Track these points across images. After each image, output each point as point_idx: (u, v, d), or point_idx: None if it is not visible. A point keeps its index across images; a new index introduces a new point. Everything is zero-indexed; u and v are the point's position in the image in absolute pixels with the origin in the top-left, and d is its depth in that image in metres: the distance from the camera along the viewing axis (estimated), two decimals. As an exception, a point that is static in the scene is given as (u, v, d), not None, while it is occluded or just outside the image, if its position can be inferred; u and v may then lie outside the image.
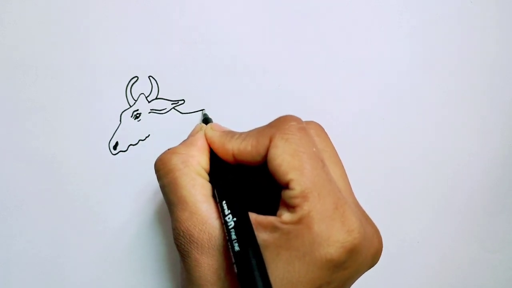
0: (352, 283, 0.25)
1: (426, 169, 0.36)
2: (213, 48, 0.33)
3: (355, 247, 0.22)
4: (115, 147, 0.33)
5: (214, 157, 0.27)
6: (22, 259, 0.34)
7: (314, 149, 0.24)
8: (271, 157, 0.24)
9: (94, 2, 0.32)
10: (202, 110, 0.33)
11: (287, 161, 0.23)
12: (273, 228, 0.23)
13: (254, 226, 0.23)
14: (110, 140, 0.33)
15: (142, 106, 0.33)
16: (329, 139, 0.27)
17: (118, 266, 0.35)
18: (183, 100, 0.33)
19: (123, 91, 0.33)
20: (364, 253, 0.23)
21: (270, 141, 0.24)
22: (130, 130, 0.33)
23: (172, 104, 0.33)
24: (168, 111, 0.33)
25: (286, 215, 0.23)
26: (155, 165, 0.27)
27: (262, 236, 0.23)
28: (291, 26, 0.33)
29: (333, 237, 0.22)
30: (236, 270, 0.22)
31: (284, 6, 0.33)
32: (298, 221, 0.22)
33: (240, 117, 0.34)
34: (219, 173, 0.26)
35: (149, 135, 0.34)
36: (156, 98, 0.33)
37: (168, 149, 0.27)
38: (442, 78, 0.35)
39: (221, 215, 0.24)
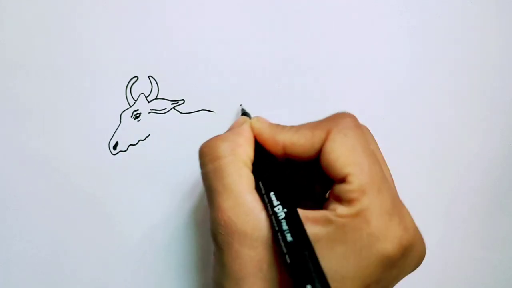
0: (396, 284, 0.25)
1: (426, 169, 0.36)
2: (213, 48, 0.33)
3: (410, 244, 0.23)
4: (115, 147, 0.33)
5: (259, 149, 0.26)
6: (22, 259, 0.34)
7: (371, 147, 0.24)
8: (327, 150, 0.24)
9: (94, 2, 0.32)
10: (240, 105, 0.33)
11: (345, 155, 0.23)
12: (326, 222, 0.23)
13: (302, 220, 0.23)
14: (110, 140, 0.33)
15: (142, 106, 0.33)
16: (377, 143, 0.27)
17: (118, 265, 0.35)
18: (183, 100, 0.33)
19: (123, 91, 0.33)
20: (414, 252, 0.23)
21: (327, 135, 0.24)
22: (130, 130, 0.33)
23: (172, 104, 0.33)
24: (168, 111, 0.33)
25: (341, 209, 0.23)
26: (201, 150, 0.26)
27: (312, 230, 0.23)
28: (291, 26, 0.33)
29: (391, 232, 0.22)
30: (288, 261, 0.21)
31: (284, 6, 0.33)
32: (356, 215, 0.22)
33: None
34: (265, 164, 0.26)
35: (149, 135, 0.34)
36: (156, 98, 0.33)
37: (216, 136, 0.26)
38: (442, 78, 0.35)
39: (269, 206, 0.24)
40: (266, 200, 0.24)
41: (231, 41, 0.33)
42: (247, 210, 0.24)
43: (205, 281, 0.36)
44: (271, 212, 0.23)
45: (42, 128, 0.33)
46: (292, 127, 0.26)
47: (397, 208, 0.23)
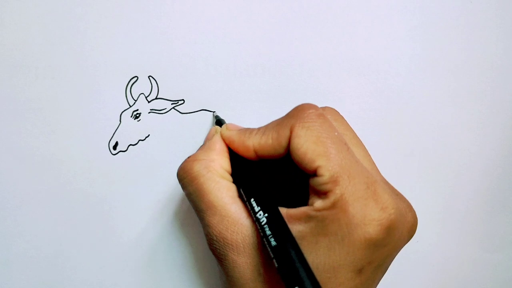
0: (392, 260, 0.25)
1: (426, 169, 0.36)
2: (213, 48, 0.33)
3: (391, 223, 0.23)
4: (115, 147, 0.33)
5: (234, 157, 0.27)
6: (22, 259, 0.34)
7: (336, 133, 0.24)
8: (294, 147, 0.24)
9: (94, 2, 0.32)
10: (213, 112, 0.33)
11: (312, 148, 0.23)
12: (307, 218, 0.23)
13: (286, 220, 0.23)
14: (110, 140, 0.33)
15: (142, 106, 0.33)
16: (346, 122, 0.27)
17: (118, 265, 0.35)
18: (183, 100, 0.33)
19: (123, 91, 0.33)
20: (400, 228, 0.23)
21: (291, 131, 0.24)
22: (130, 130, 0.33)
23: (172, 104, 0.33)
24: (168, 111, 0.33)
25: (318, 202, 0.23)
26: (178, 174, 0.27)
27: (296, 228, 0.23)
28: (290, 26, 0.33)
29: (368, 216, 0.22)
30: (276, 265, 0.22)
31: (284, 6, 0.33)
32: (332, 206, 0.22)
33: (240, 117, 0.34)
34: (242, 172, 0.26)
35: (149, 135, 0.34)
36: (156, 98, 0.33)
37: (188, 157, 0.27)
38: (442, 78, 0.35)
39: (251, 213, 0.24)
40: (249, 207, 0.24)
41: (231, 41, 0.33)
42: (233, 221, 0.25)
43: (204, 281, 0.36)
44: (254, 219, 0.24)
45: (42, 128, 0.33)
46: (259, 129, 0.26)
47: (371, 189, 0.23)
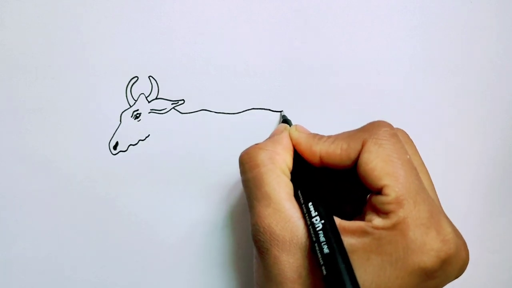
0: None
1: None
2: (213, 48, 0.33)
3: (448, 257, 0.22)
4: (115, 147, 0.33)
5: (297, 158, 0.27)
6: (22, 259, 0.34)
7: (408, 156, 0.24)
8: (363, 161, 0.24)
9: (94, 2, 0.32)
10: (280, 112, 0.33)
11: (381, 166, 0.23)
12: (363, 233, 0.23)
13: (339, 230, 0.23)
14: (110, 140, 0.33)
15: (142, 106, 0.33)
16: (415, 147, 0.27)
17: (118, 265, 0.35)
18: (183, 100, 0.33)
19: (123, 91, 0.33)
20: (454, 264, 0.23)
21: (363, 145, 0.24)
22: (130, 130, 0.33)
23: (172, 104, 0.33)
24: (168, 111, 0.33)
25: (377, 221, 0.23)
26: (241, 158, 0.27)
27: (348, 240, 0.23)
28: (290, 26, 0.33)
29: (428, 245, 0.22)
30: (324, 272, 0.22)
31: (284, 6, 0.33)
32: (392, 227, 0.22)
33: (240, 117, 0.34)
34: (303, 174, 0.26)
35: (149, 135, 0.34)
36: (156, 98, 0.33)
37: (255, 144, 0.27)
38: (442, 78, 0.35)
39: (307, 216, 0.24)
40: (305, 210, 0.24)
41: (231, 41, 0.33)
42: (285, 217, 0.24)
43: (206, 280, 0.36)
44: (309, 223, 0.24)
45: (42, 128, 0.33)
46: (329, 137, 0.26)
47: (435, 219, 0.23)
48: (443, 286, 0.24)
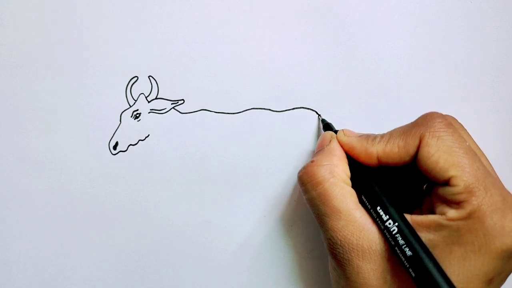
0: None
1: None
2: (213, 48, 0.33)
3: None
4: (115, 147, 0.33)
5: (352, 163, 0.27)
6: (22, 259, 0.34)
7: (467, 144, 0.25)
8: (424, 155, 0.24)
9: (94, 2, 0.32)
10: (319, 115, 0.33)
11: (444, 158, 0.24)
12: (439, 226, 0.23)
13: (413, 227, 0.23)
14: (110, 140, 0.33)
15: (142, 106, 0.33)
16: (467, 131, 0.27)
17: (118, 265, 0.35)
18: (183, 100, 0.33)
19: (123, 91, 0.33)
20: None
21: (420, 140, 0.24)
22: (130, 130, 0.33)
23: (172, 104, 0.33)
24: (168, 111, 0.33)
25: (451, 212, 0.23)
26: (301, 178, 0.27)
27: (426, 236, 0.23)
28: (290, 26, 0.33)
29: (507, 227, 0.22)
30: (413, 275, 0.22)
31: (284, 6, 0.33)
32: (468, 216, 0.22)
33: (240, 117, 0.34)
34: (363, 178, 0.26)
35: (149, 135, 0.34)
36: (156, 98, 0.33)
37: (311, 161, 0.27)
38: (442, 78, 0.35)
39: (378, 221, 0.24)
40: (374, 215, 0.25)
41: (231, 41, 0.33)
42: (358, 226, 0.25)
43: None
44: (382, 227, 0.24)
45: (42, 128, 0.33)
46: (382, 136, 0.26)
47: (508, 200, 0.23)
48: None
